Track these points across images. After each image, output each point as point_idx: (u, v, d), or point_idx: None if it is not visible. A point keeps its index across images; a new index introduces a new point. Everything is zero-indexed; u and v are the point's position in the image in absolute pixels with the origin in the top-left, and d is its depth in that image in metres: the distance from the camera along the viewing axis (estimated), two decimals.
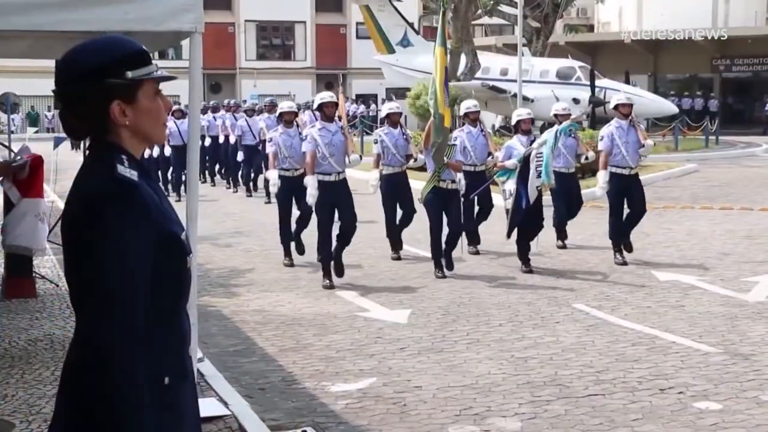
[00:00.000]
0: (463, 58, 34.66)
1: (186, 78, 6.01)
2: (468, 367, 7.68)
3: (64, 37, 6.69)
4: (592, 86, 32.83)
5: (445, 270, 11.44)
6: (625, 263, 11.85)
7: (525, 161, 11.29)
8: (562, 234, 13.31)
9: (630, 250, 12.15)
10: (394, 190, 12.56)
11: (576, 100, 32.91)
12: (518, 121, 12.32)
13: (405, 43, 40.53)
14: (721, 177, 23.84)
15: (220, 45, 54.31)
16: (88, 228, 2.56)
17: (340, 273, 11.15)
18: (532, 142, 11.74)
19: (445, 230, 11.51)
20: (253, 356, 8.17)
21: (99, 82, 2.64)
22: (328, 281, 10.87)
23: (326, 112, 11.22)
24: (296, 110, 12.87)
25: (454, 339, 8.58)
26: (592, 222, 14.65)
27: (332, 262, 11.02)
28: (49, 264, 11.70)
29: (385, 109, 13.07)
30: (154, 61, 2.78)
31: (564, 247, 13.11)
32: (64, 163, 16.98)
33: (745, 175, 24.22)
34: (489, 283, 11.04)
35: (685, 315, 9.39)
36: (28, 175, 9.33)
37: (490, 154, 12.90)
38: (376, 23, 40.85)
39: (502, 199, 12.11)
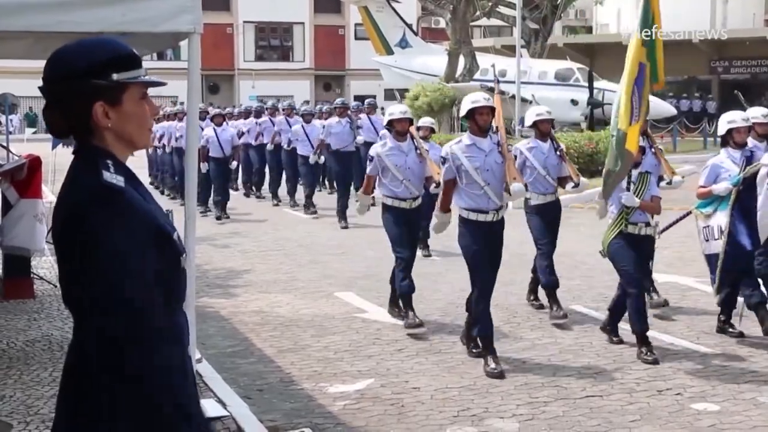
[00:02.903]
0: (461, 60, 34.71)
1: (185, 79, 6.02)
2: (466, 368, 7.69)
3: (62, 38, 6.66)
4: (591, 88, 32.85)
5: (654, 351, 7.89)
6: None
7: (746, 184, 8.11)
8: None
9: None
10: (548, 223, 9.44)
11: (574, 102, 32.94)
12: (730, 130, 8.48)
13: (403, 44, 40.57)
14: None
15: (218, 46, 54.34)
16: (80, 233, 2.58)
17: (476, 345, 7.99)
18: (749, 157, 8.28)
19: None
20: (251, 357, 8.17)
21: (84, 82, 2.65)
22: (495, 366, 7.45)
23: (479, 121, 7.75)
24: (411, 117, 9.37)
25: (452, 340, 8.57)
26: (583, 223, 14.64)
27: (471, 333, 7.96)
28: (47, 265, 11.69)
29: (532, 115, 9.48)
30: (147, 63, 2.79)
31: None
32: (62, 164, 16.95)
33: None
34: None
35: (683, 316, 9.39)
36: (26, 176, 9.34)
37: (662, 178, 9.15)
38: (374, 24, 40.88)
39: (701, 240, 8.66)
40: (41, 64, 2.76)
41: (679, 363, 7.74)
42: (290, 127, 19.23)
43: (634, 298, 7.87)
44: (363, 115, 19.80)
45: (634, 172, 8.02)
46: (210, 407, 6.39)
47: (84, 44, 2.74)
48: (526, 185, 8.39)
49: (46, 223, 9.59)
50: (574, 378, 7.36)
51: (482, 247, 7.72)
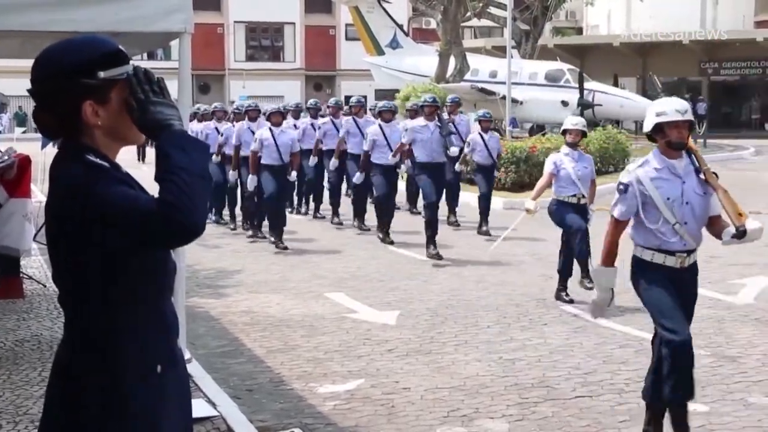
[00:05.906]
0: (452, 60, 34.75)
1: (175, 79, 6.02)
2: (456, 368, 7.69)
3: (54, 37, 6.65)
4: (581, 89, 32.94)
5: None
6: None
7: None
8: None
9: None
10: None
11: (565, 103, 33.01)
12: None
13: (394, 44, 40.65)
14: None
15: (208, 46, 54.25)
16: (89, 208, 2.55)
17: None
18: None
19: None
20: (241, 357, 8.16)
21: (71, 81, 2.64)
22: None
23: None
24: (692, 119, 5.66)
25: (443, 340, 8.58)
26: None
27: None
28: (36, 264, 11.67)
29: None
30: (138, 63, 2.78)
31: None
32: None
33: (732, 178, 24.20)
34: (477, 285, 11.04)
35: None
36: (15, 175, 9.31)
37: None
38: (365, 25, 40.94)
39: None
40: (31, 63, 2.75)
41: None
42: (359, 129, 15.60)
43: None
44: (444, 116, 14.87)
45: None
46: (200, 407, 6.38)
47: (69, 43, 2.73)
48: None
49: (34, 222, 9.57)
50: (563, 378, 7.37)
51: None
